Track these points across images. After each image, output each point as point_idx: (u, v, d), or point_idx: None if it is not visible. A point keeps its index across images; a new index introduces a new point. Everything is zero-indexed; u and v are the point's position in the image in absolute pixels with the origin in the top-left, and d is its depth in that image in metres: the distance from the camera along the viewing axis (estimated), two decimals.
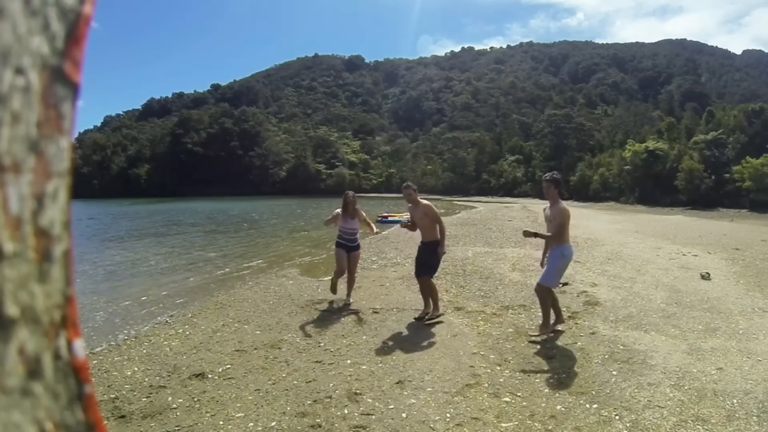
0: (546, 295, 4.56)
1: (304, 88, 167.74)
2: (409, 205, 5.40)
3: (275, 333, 4.85)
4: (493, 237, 13.29)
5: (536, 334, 4.57)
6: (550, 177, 4.59)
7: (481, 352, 4.17)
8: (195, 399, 3.34)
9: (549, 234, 4.52)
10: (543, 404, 3.18)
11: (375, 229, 6.31)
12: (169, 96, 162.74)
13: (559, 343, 4.39)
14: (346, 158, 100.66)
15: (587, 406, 3.13)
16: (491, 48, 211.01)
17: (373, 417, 3.04)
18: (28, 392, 0.18)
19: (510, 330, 4.82)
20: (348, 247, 6.00)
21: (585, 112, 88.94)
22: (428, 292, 5.26)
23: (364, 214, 6.15)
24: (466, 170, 76.85)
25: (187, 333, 4.95)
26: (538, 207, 34.13)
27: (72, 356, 0.21)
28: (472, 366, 3.83)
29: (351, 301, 6.07)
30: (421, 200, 5.26)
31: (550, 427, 2.87)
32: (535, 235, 4.56)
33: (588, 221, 20.36)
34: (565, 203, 4.65)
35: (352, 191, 6.27)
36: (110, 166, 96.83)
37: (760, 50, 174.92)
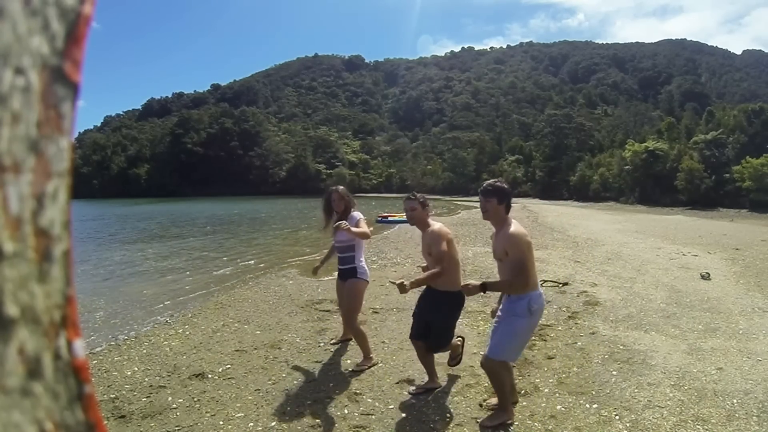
0: (500, 371, 2.85)
1: (304, 88, 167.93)
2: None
3: (275, 333, 4.85)
4: None
5: (490, 423, 2.91)
6: (490, 187, 2.84)
7: (481, 352, 4.17)
8: (195, 399, 3.34)
9: (505, 282, 2.83)
10: (543, 404, 3.17)
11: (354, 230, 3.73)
12: (169, 96, 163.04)
13: (559, 343, 4.38)
14: (346, 158, 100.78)
15: (587, 406, 3.13)
16: (491, 48, 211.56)
17: (373, 417, 3.04)
18: (28, 392, 0.18)
19: None
20: (341, 272, 4.03)
21: (585, 112, 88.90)
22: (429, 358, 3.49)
23: (358, 217, 3.90)
24: (466, 170, 76.88)
25: (187, 333, 4.95)
26: (538, 207, 34.11)
27: (72, 356, 0.21)
28: (472, 366, 3.83)
29: (339, 343, 4.39)
30: (432, 222, 3.35)
31: (550, 427, 2.87)
32: (483, 288, 2.76)
33: (588, 221, 20.36)
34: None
35: (341, 187, 4.09)
36: (110, 166, 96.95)
37: (760, 50, 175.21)
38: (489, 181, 2.89)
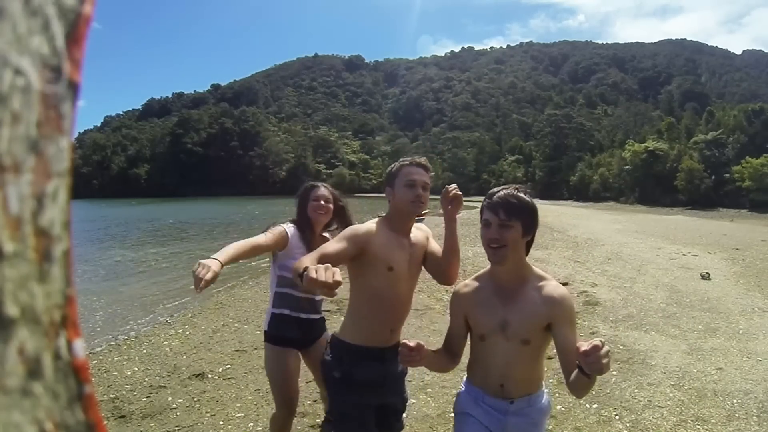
0: None
1: (304, 88, 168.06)
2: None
3: None
4: None
5: None
6: (514, 200, 1.45)
7: None
8: (195, 399, 3.34)
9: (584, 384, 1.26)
10: None
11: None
12: (169, 96, 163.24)
13: None
14: (346, 158, 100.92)
15: (587, 406, 3.13)
16: (491, 48, 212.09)
17: None
18: (28, 392, 0.18)
19: None
20: (305, 324, 2.29)
21: (585, 112, 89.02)
22: None
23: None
24: (466, 170, 77.03)
25: (187, 333, 4.95)
26: (538, 207, 33.94)
27: (72, 356, 0.21)
28: None
29: None
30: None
31: (550, 427, 2.87)
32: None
33: (588, 221, 20.36)
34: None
35: (326, 186, 2.38)
36: (110, 166, 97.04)
37: (760, 50, 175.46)
38: (510, 190, 1.47)
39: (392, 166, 1.77)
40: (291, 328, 2.24)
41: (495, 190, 1.50)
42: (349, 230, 1.67)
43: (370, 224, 1.70)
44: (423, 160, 1.76)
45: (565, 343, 1.38)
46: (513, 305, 1.46)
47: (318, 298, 2.30)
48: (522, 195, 1.46)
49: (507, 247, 1.41)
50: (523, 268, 1.49)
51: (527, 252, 1.51)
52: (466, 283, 1.61)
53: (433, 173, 1.91)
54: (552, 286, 1.46)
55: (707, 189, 37.03)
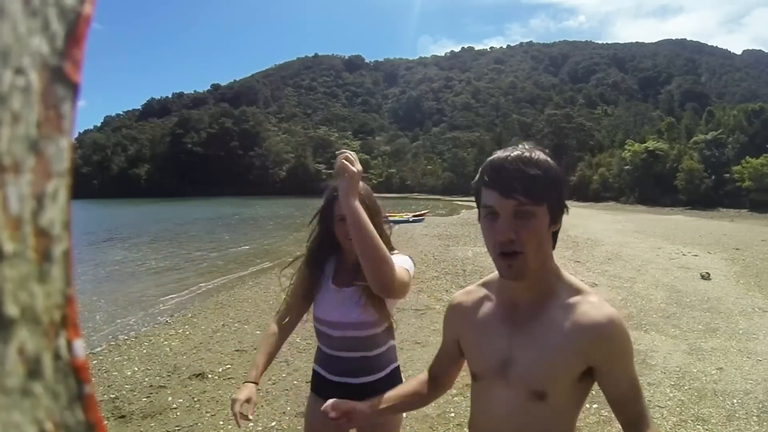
0: None
1: (304, 88, 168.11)
2: None
3: None
4: None
5: None
6: (537, 170, 0.85)
7: None
8: (195, 399, 3.34)
9: None
10: None
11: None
12: (169, 96, 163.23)
13: None
14: None
15: (587, 406, 3.13)
16: (491, 48, 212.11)
17: None
18: (28, 392, 0.18)
19: None
20: (339, 388, 1.49)
21: (585, 112, 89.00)
22: None
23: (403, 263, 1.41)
24: (466, 170, 76.96)
25: (187, 333, 4.95)
26: None
27: (72, 356, 0.21)
28: None
29: None
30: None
31: None
32: None
33: (588, 221, 20.35)
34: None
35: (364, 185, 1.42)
36: (110, 166, 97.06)
37: (760, 50, 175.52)
38: (524, 152, 0.87)
39: None
40: (318, 373, 1.65)
41: (498, 155, 0.91)
42: None
43: None
44: None
45: (620, 397, 0.94)
46: (525, 335, 0.93)
47: (357, 354, 1.59)
48: (541, 157, 0.87)
49: (526, 253, 0.86)
50: (547, 275, 0.95)
51: (554, 245, 0.97)
52: (468, 289, 1.11)
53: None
54: (592, 305, 0.92)
55: (707, 189, 37.03)
